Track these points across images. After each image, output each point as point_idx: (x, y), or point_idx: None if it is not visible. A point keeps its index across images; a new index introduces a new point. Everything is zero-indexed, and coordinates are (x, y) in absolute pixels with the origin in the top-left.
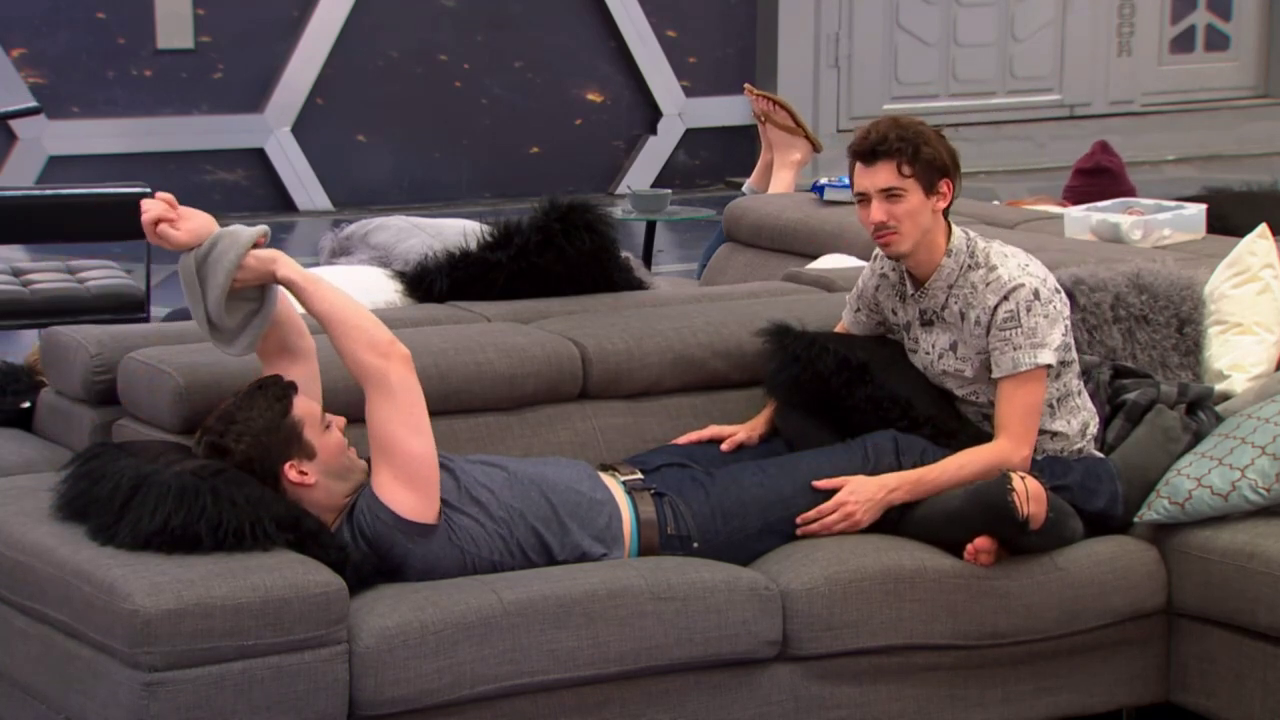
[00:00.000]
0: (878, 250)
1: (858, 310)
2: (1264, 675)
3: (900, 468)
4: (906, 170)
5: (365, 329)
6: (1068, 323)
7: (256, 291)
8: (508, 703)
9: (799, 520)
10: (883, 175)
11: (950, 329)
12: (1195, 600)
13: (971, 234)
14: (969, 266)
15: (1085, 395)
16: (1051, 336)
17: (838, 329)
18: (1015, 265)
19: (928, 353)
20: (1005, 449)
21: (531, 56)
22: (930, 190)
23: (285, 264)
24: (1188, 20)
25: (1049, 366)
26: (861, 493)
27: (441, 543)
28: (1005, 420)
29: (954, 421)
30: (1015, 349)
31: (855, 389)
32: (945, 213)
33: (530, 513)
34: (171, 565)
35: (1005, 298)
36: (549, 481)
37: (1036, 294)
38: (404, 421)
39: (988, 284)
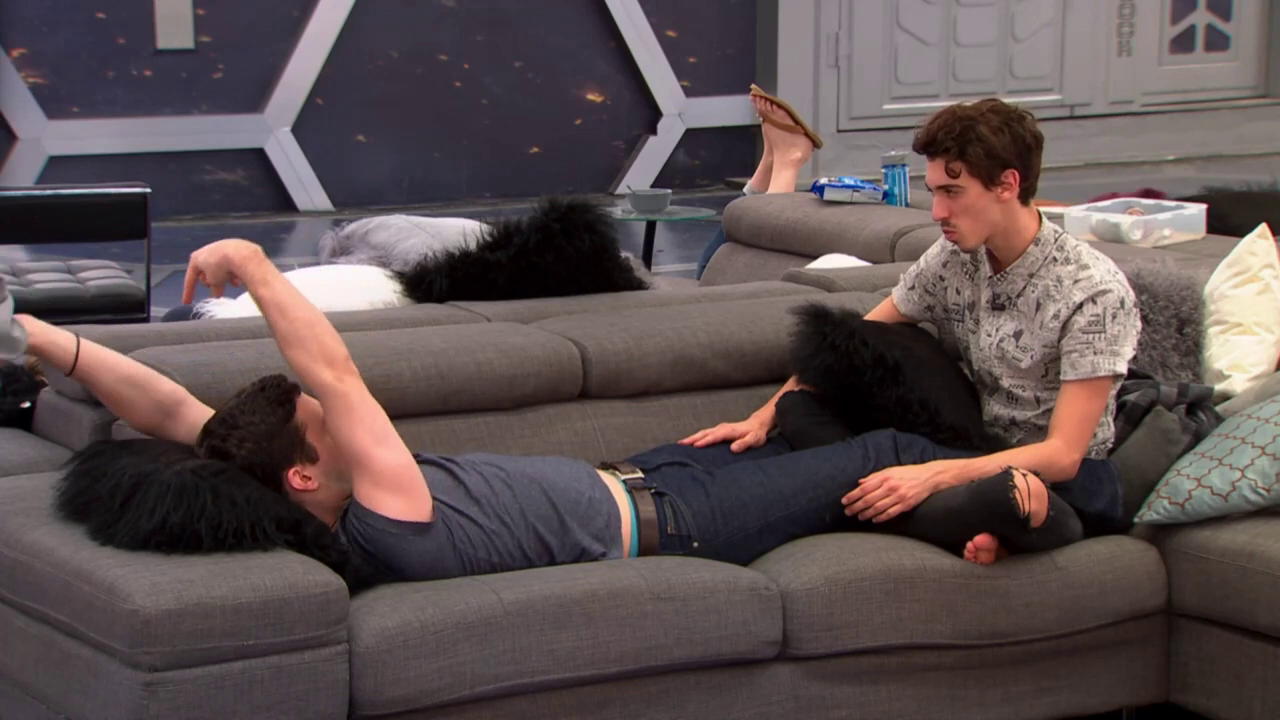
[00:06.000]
0: None
1: (912, 288)
2: (1264, 675)
3: (900, 465)
4: (955, 168)
5: (322, 341)
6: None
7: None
8: (508, 703)
9: (845, 500)
10: (935, 173)
11: (1020, 317)
12: (1195, 600)
13: (1060, 229)
14: (1055, 259)
15: (1112, 414)
16: (1127, 348)
17: (881, 308)
18: (1106, 270)
19: (989, 335)
20: (1058, 449)
21: (531, 56)
22: (990, 183)
23: (242, 258)
24: (1188, 20)
25: (1119, 377)
26: (909, 472)
27: (440, 541)
28: (1063, 421)
29: (976, 434)
30: (1096, 353)
31: (887, 388)
32: (1026, 199)
33: (531, 512)
34: (171, 565)
35: (1093, 299)
36: (549, 481)
37: (1122, 303)
38: (369, 433)
39: (1076, 281)
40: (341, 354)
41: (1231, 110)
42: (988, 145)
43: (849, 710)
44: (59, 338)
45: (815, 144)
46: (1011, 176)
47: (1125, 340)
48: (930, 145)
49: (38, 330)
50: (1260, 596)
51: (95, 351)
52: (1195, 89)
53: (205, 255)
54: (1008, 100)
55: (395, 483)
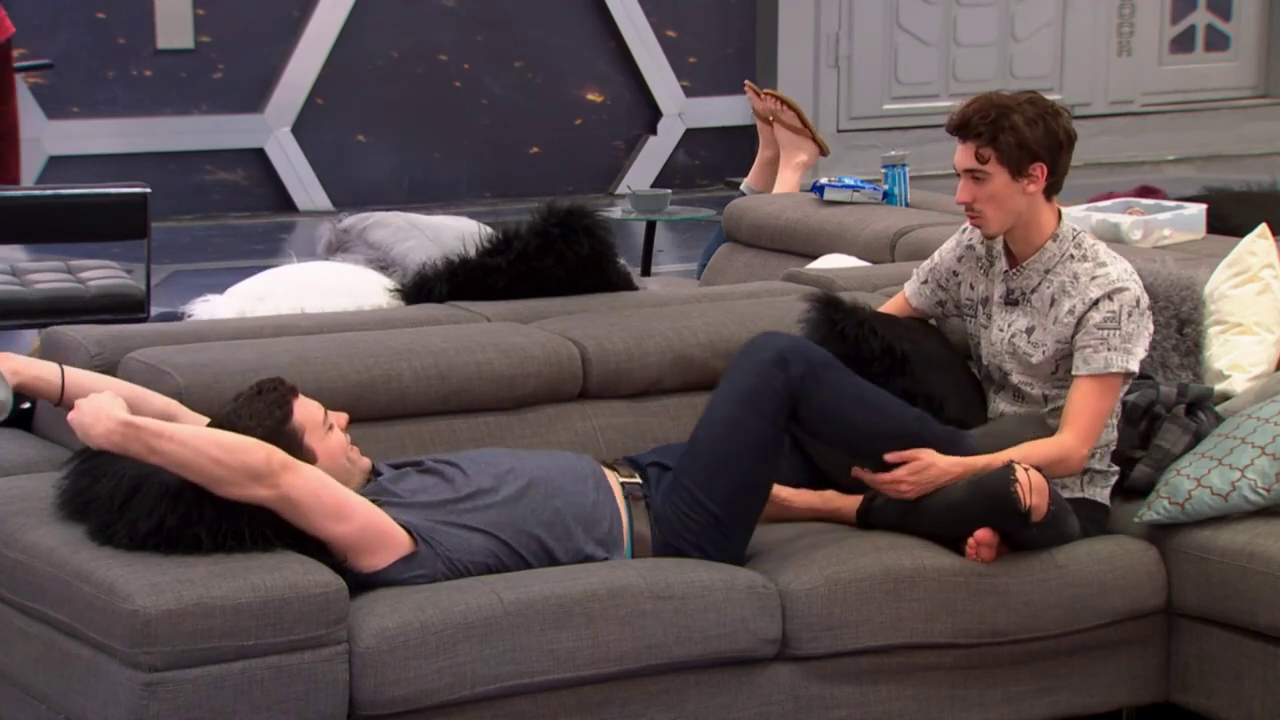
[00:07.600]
0: (968, 224)
1: (925, 282)
2: (1264, 675)
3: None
4: (985, 154)
5: (235, 464)
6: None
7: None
8: (508, 703)
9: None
10: (964, 156)
11: (1033, 313)
12: (1195, 600)
13: (1078, 228)
14: (1072, 256)
15: (1118, 417)
16: (1140, 348)
17: (892, 302)
18: (1123, 268)
19: (1001, 330)
20: (1068, 444)
21: (531, 56)
22: (1018, 173)
23: (118, 444)
24: (1188, 20)
25: (1130, 375)
26: (917, 468)
27: (428, 557)
28: (1075, 416)
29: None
30: (1110, 349)
31: (893, 379)
32: (1050, 195)
33: (534, 516)
34: (171, 565)
35: (1109, 296)
36: (554, 484)
37: (1138, 302)
38: (325, 517)
39: (1093, 278)
40: (259, 458)
41: (1231, 110)
42: (1020, 136)
43: (849, 710)
44: (43, 371)
45: (822, 150)
46: (1039, 170)
47: (1138, 340)
48: (963, 128)
49: (21, 367)
50: (1260, 596)
51: (81, 377)
52: (1195, 89)
53: (81, 437)
54: None
55: (368, 544)
